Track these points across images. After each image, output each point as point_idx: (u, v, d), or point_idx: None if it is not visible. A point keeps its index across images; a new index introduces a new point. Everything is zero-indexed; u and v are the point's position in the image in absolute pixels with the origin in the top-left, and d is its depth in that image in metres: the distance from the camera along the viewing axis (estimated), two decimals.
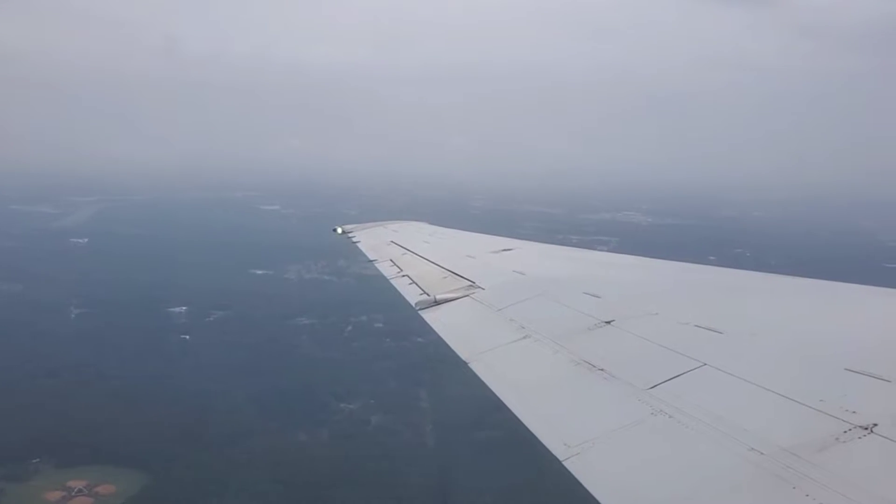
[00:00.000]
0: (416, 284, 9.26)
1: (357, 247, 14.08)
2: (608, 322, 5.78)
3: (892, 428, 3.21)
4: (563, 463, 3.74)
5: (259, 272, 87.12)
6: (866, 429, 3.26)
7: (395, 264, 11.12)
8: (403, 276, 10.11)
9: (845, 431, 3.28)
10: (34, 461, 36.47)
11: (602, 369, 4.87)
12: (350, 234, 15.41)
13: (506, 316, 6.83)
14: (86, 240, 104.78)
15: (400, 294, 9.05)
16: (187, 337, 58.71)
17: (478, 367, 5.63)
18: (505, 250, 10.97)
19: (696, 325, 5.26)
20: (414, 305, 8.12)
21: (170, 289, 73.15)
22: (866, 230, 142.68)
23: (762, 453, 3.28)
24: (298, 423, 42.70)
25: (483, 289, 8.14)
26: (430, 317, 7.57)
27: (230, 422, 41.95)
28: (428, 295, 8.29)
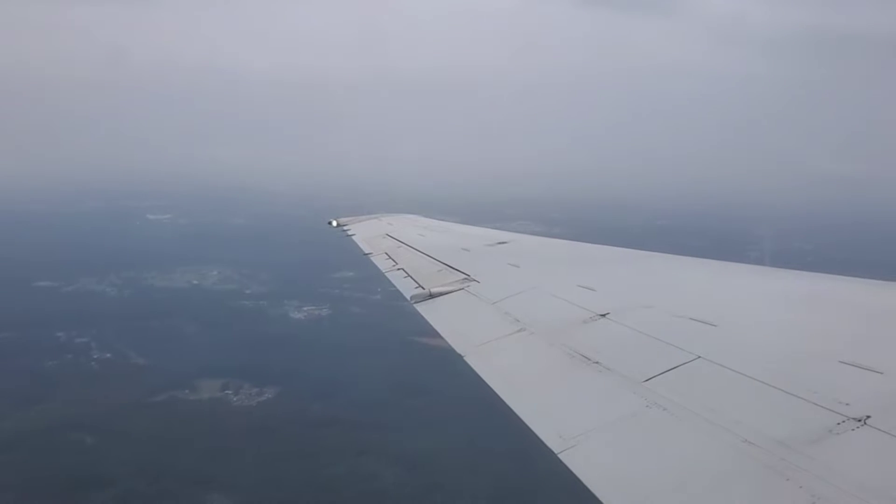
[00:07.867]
0: (411, 278, 9.35)
1: (352, 240, 14.05)
2: (603, 315, 5.81)
3: (885, 420, 3.23)
4: (559, 455, 3.74)
5: (42, 284, 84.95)
6: (859, 421, 3.27)
7: (390, 257, 11.19)
8: (398, 269, 10.17)
9: (839, 423, 3.29)
10: None
11: (597, 362, 4.89)
12: (345, 227, 15.51)
13: (501, 309, 6.83)
14: None
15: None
16: None
17: (473, 361, 5.63)
18: (500, 243, 11.05)
19: (690, 318, 5.28)
20: (409, 299, 8.19)
21: None
22: (754, 239, 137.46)
23: (756, 445, 3.29)
24: None
25: (478, 282, 8.16)
26: (425, 310, 7.58)
27: None
28: (423, 288, 8.40)
